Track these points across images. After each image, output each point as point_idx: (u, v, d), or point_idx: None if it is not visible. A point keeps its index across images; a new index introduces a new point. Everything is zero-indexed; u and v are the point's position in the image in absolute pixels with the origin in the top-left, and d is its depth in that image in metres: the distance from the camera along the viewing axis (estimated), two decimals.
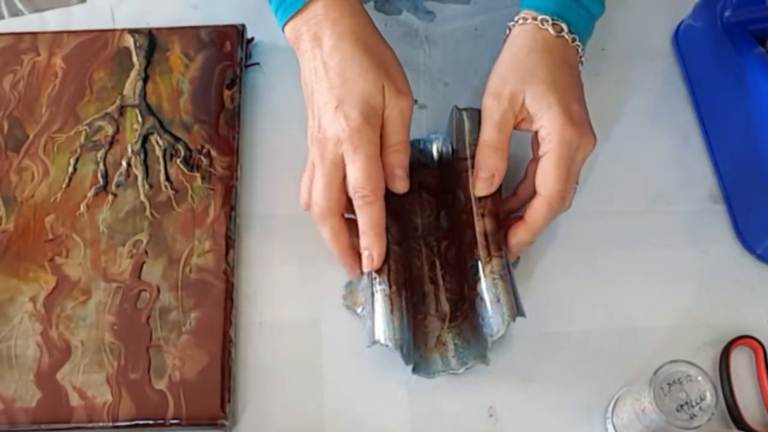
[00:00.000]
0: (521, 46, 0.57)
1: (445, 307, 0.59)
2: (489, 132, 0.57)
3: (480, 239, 0.56)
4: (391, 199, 0.58)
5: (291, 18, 0.57)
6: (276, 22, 0.59)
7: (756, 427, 0.56)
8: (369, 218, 0.55)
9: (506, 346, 0.58)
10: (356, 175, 0.54)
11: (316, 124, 0.56)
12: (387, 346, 0.54)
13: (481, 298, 0.55)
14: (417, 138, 0.65)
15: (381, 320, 0.55)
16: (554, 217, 0.57)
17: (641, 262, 0.63)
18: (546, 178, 0.55)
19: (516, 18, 0.58)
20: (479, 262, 0.56)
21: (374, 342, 0.55)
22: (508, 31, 0.59)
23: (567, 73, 0.57)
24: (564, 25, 0.57)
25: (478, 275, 0.56)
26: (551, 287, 0.61)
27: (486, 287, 0.55)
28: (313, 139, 0.56)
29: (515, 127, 0.57)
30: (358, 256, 0.57)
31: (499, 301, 0.54)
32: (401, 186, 0.57)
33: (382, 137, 0.56)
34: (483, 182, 0.57)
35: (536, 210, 0.56)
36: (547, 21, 0.57)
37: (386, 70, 0.56)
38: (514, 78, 0.57)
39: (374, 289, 0.56)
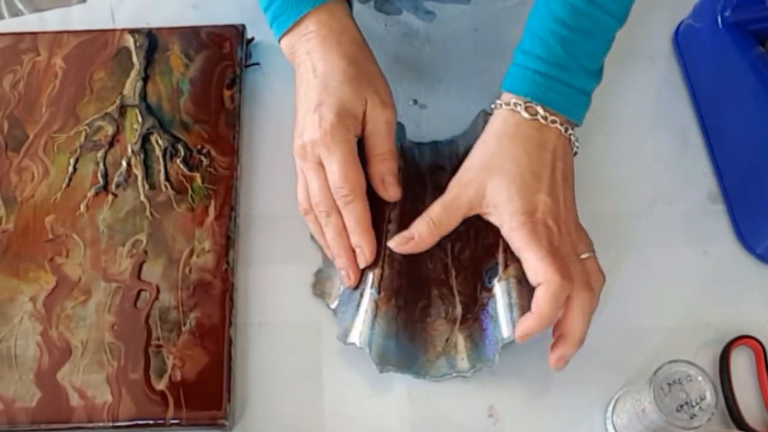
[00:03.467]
0: (493, 131, 0.56)
1: (457, 309, 0.58)
2: (434, 207, 0.56)
3: (501, 242, 0.56)
4: (404, 204, 0.58)
5: (285, 33, 0.59)
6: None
7: (756, 427, 0.56)
8: (353, 217, 0.56)
9: (506, 347, 0.58)
10: (333, 176, 0.56)
11: (299, 131, 0.58)
12: (363, 349, 0.55)
13: (495, 302, 0.55)
14: (434, 140, 0.65)
15: (360, 324, 0.55)
16: (576, 314, 0.53)
17: (641, 262, 0.63)
18: (534, 270, 0.52)
19: (495, 101, 0.57)
20: (497, 266, 0.56)
21: (349, 343, 0.56)
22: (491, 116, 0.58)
23: (538, 160, 0.55)
24: (539, 108, 0.55)
25: (495, 278, 0.56)
26: None
27: (502, 291, 0.55)
28: (295, 147, 0.58)
29: (481, 216, 0.56)
30: (355, 259, 0.58)
31: (512, 305, 0.54)
32: (393, 193, 0.58)
33: (368, 147, 0.58)
34: (401, 239, 0.56)
35: (540, 299, 0.52)
36: (520, 104, 0.55)
37: (370, 83, 0.58)
38: (480, 166, 0.56)
39: (363, 290, 0.56)
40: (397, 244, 0.56)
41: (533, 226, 0.53)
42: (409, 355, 0.56)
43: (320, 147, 0.56)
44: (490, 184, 0.55)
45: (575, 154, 0.58)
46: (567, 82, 0.56)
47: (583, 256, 0.55)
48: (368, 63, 0.59)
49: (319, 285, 0.60)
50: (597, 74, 0.58)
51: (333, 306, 0.59)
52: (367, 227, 0.56)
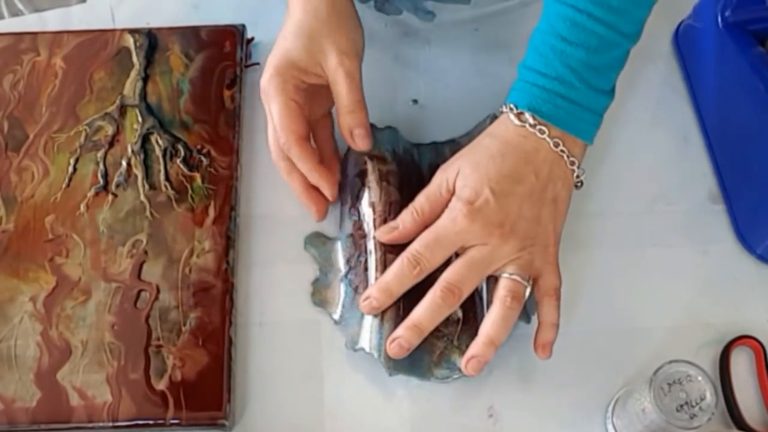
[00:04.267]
0: (487, 131, 0.57)
1: (458, 310, 0.58)
2: (418, 197, 0.57)
3: None
4: (404, 206, 0.57)
5: None
6: (276, 21, 0.60)
7: (756, 427, 0.56)
8: (298, 160, 0.59)
9: (506, 346, 0.58)
10: (272, 124, 0.59)
11: None
12: (372, 355, 0.55)
13: (490, 301, 0.55)
14: (434, 141, 0.66)
15: (368, 328, 0.56)
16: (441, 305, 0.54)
17: (641, 262, 0.63)
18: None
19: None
20: None
21: (357, 349, 0.56)
22: None
23: (511, 162, 0.55)
24: (530, 116, 0.55)
25: (491, 279, 0.56)
26: None
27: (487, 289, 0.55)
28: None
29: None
30: (317, 196, 0.61)
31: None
32: (363, 145, 0.60)
33: (336, 102, 0.59)
34: (387, 229, 0.57)
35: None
36: (513, 110, 0.56)
37: (329, 35, 0.59)
38: (463, 153, 0.57)
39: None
40: (381, 233, 0.57)
41: (461, 219, 0.54)
42: (414, 358, 0.56)
43: (264, 96, 0.59)
44: (461, 167, 0.56)
45: (579, 185, 0.57)
46: (567, 97, 0.55)
47: (505, 275, 0.54)
48: (335, 15, 0.59)
49: (318, 294, 0.60)
50: (608, 92, 0.57)
51: (336, 316, 0.59)
52: (316, 165, 0.59)
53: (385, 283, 0.55)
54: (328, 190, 0.60)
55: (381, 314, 0.56)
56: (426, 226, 0.56)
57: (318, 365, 0.58)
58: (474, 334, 0.56)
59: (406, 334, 0.54)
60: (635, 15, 0.55)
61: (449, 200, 0.55)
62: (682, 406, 0.50)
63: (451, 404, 0.57)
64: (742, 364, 0.59)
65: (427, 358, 0.57)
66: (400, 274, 0.55)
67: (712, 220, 0.65)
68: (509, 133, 0.56)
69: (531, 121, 0.55)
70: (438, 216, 0.55)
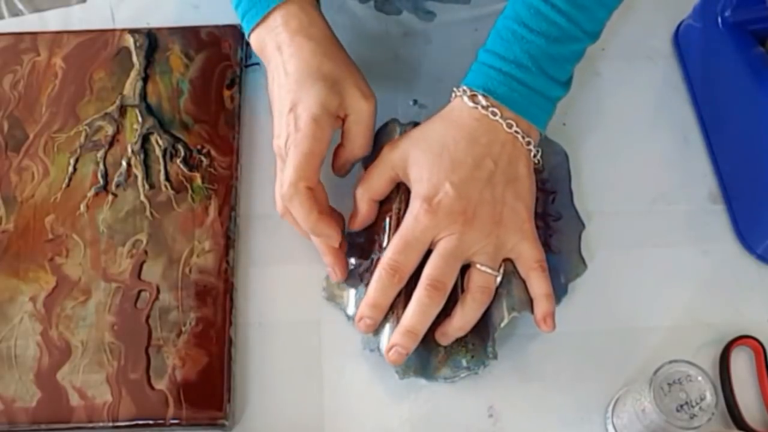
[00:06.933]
0: (438, 114, 0.58)
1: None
2: (367, 174, 0.58)
3: None
4: (404, 205, 0.58)
5: (255, 28, 0.59)
6: None
7: (756, 427, 0.56)
8: (308, 208, 0.55)
9: (506, 346, 0.58)
10: (287, 171, 0.55)
11: (276, 131, 0.58)
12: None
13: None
14: None
15: (386, 334, 0.56)
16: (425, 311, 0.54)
17: (641, 262, 0.63)
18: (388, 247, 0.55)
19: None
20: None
21: (374, 349, 0.57)
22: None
23: (464, 149, 0.55)
24: (482, 98, 0.55)
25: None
26: None
27: (501, 283, 0.56)
28: (275, 148, 0.58)
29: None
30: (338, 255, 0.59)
31: (509, 293, 0.55)
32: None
33: (350, 137, 0.58)
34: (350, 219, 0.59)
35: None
36: (467, 92, 0.56)
37: (348, 76, 0.57)
38: (411, 136, 0.57)
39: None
40: (353, 226, 0.59)
41: (422, 216, 0.54)
42: (421, 359, 0.56)
43: (290, 145, 0.56)
44: (412, 154, 0.56)
45: (537, 163, 0.58)
46: (523, 81, 0.56)
47: (477, 265, 0.55)
48: (342, 56, 0.59)
49: (331, 289, 0.60)
50: (563, 84, 0.58)
51: (350, 312, 0.59)
52: (316, 217, 0.55)
53: (372, 299, 0.55)
54: (336, 239, 0.57)
55: (396, 318, 0.55)
56: (374, 200, 0.58)
57: (318, 365, 0.58)
58: (478, 330, 0.56)
59: (402, 340, 0.54)
60: (597, 15, 0.57)
61: (392, 177, 0.57)
62: (682, 406, 0.50)
63: (451, 404, 0.57)
64: (742, 364, 0.59)
65: (434, 359, 0.57)
66: (382, 287, 0.55)
67: (712, 220, 0.65)
68: (463, 117, 0.56)
69: (484, 102, 0.55)
70: (383, 189, 0.57)
